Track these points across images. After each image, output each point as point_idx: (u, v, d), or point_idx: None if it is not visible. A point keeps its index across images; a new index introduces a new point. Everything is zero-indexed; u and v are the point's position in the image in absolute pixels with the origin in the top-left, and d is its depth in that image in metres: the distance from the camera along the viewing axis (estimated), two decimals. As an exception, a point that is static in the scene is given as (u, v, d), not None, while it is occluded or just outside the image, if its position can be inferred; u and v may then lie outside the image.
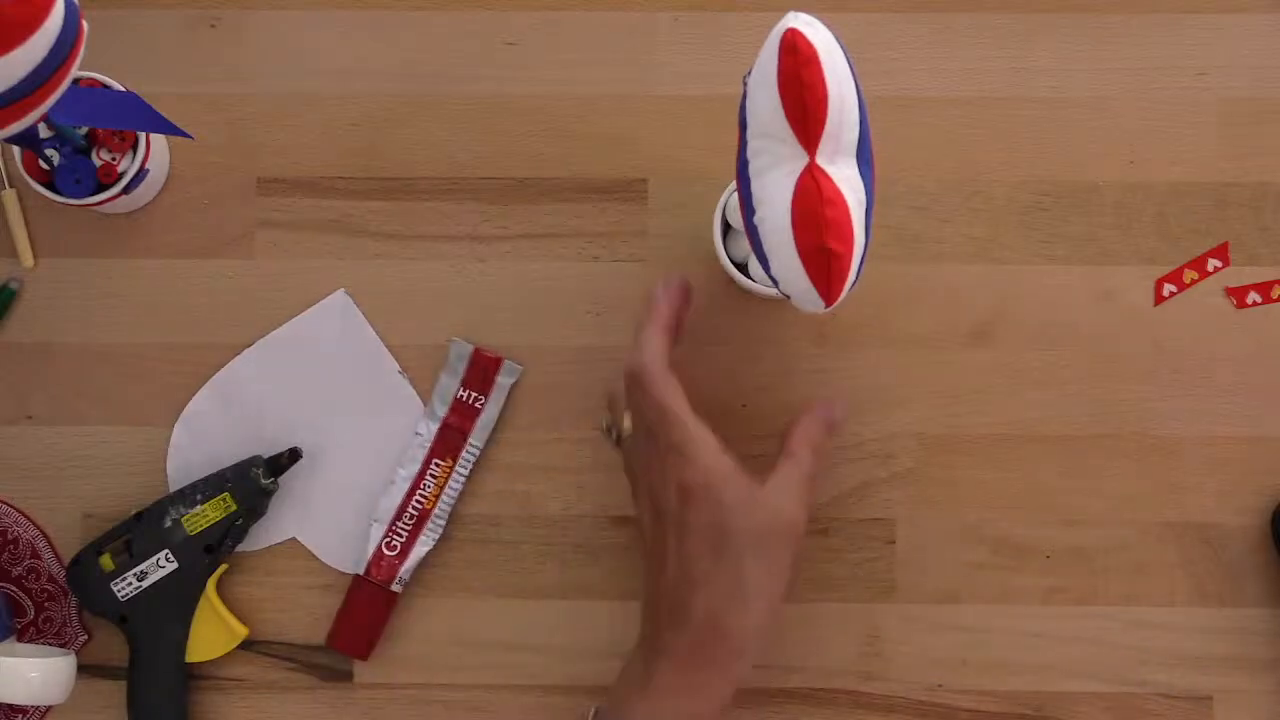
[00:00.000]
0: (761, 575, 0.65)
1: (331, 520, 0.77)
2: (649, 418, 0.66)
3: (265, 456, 0.75)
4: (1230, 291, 0.77)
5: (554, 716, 0.76)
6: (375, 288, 0.78)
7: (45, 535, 0.77)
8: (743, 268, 0.72)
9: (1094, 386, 0.77)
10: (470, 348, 0.77)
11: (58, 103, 0.59)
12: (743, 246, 0.67)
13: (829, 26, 0.57)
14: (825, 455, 0.69)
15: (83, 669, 0.75)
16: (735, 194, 0.65)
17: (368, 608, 0.75)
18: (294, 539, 0.77)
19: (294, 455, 0.75)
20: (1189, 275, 0.77)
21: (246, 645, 0.76)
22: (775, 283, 0.60)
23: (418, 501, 0.76)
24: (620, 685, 0.68)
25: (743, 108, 0.60)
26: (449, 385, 0.77)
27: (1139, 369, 0.77)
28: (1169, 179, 0.77)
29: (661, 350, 0.67)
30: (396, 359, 0.78)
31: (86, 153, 0.73)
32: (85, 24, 0.59)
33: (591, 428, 0.77)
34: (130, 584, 0.74)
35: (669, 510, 0.66)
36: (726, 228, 0.72)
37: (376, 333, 0.78)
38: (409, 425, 0.77)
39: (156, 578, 0.74)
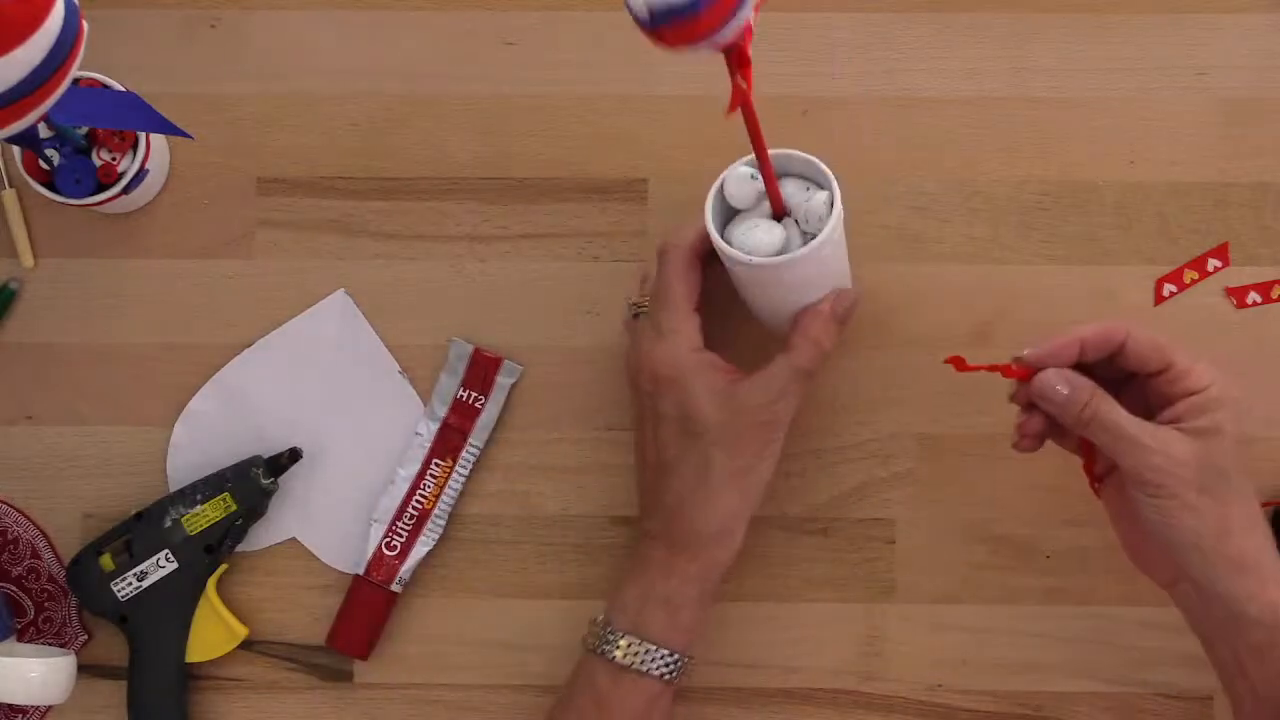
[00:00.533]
0: (728, 466, 0.66)
1: (331, 520, 0.77)
2: (653, 296, 0.69)
3: (265, 456, 0.75)
4: (1230, 291, 0.77)
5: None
6: (375, 288, 0.78)
7: (45, 535, 0.77)
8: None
9: (1094, 386, 0.76)
10: (470, 348, 0.77)
11: (58, 103, 0.59)
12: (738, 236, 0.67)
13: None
14: (825, 347, 0.68)
15: (83, 669, 0.75)
16: (740, 170, 0.66)
17: (368, 608, 0.75)
18: (294, 539, 0.77)
19: (294, 455, 0.75)
20: (1189, 275, 0.77)
21: (246, 645, 0.76)
22: None
23: (418, 501, 0.76)
24: (620, 574, 0.71)
25: None
26: (449, 385, 0.77)
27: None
28: (1169, 179, 0.77)
29: (695, 240, 0.68)
30: (396, 359, 0.78)
31: (86, 153, 0.73)
32: (85, 24, 0.59)
33: (591, 427, 0.77)
34: (130, 584, 0.74)
35: (646, 394, 0.68)
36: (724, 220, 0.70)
37: (376, 333, 0.78)
38: (409, 425, 0.77)
39: (156, 578, 0.74)
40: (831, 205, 0.65)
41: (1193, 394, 0.64)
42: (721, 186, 0.67)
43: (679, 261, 0.68)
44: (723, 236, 0.67)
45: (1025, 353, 0.66)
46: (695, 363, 0.67)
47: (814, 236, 0.65)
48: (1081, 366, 0.66)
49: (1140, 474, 0.63)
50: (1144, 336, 0.65)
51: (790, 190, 0.67)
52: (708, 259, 0.69)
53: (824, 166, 0.66)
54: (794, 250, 0.65)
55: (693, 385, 0.67)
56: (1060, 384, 0.65)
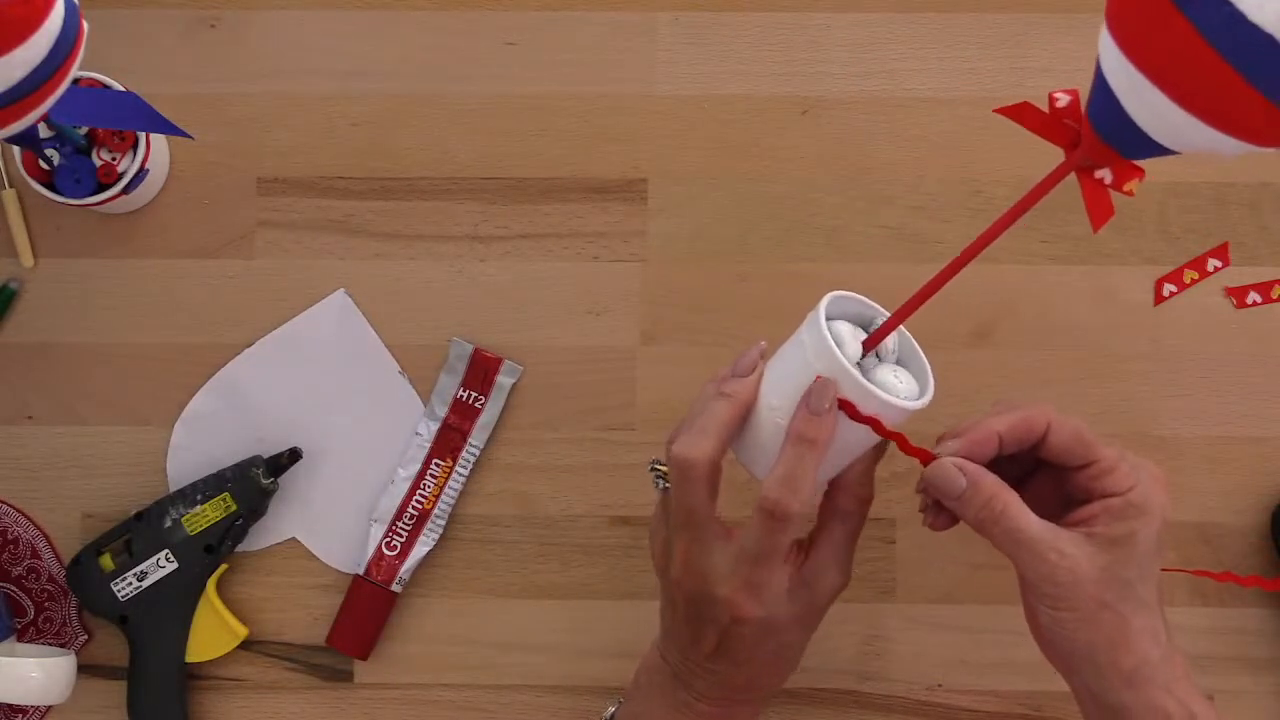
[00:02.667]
0: (804, 646, 0.63)
1: (331, 520, 0.77)
2: (676, 514, 0.61)
3: (265, 456, 0.75)
4: (1230, 291, 0.77)
5: (554, 716, 0.76)
6: (375, 288, 0.78)
7: (45, 535, 0.77)
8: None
9: (1094, 386, 0.77)
10: (470, 348, 0.77)
11: (58, 103, 0.59)
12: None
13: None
14: (871, 500, 0.62)
15: (83, 669, 0.75)
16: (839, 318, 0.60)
17: (368, 608, 0.75)
18: (294, 539, 0.77)
19: (294, 455, 0.75)
20: (1189, 275, 0.77)
21: (246, 645, 0.76)
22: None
23: (418, 501, 0.76)
24: (642, 686, 0.67)
25: None
26: (449, 385, 0.77)
27: (1139, 369, 0.77)
28: (1169, 179, 0.77)
29: (720, 447, 0.59)
30: (396, 359, 0.78)
31: (86, 153, 0.73)
32: (85, 24, 0.59)
33: (591, 427, 0.77)
34: (130, 584, 0.74)
35: (721, 623, 0.61)
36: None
37: (376, 333, 0.78)
38: (409, 425, 0.77)
39: (156, 578, 0.74)
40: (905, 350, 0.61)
41: (1112, 496, 0.59)
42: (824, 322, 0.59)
43: (703, 483, 0.59)
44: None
45: (941, 448, 0.60)
46: (782, 598, 0.61)
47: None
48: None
49: (1040, 586, 0.58)
50: (1067, 429, 0.60)
51: (851, 334, 0.60)
52: None
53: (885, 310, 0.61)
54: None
55: (774, 614, 0.60)
56: (957, 477, 0.59)
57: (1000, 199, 0.77)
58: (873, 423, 0.57)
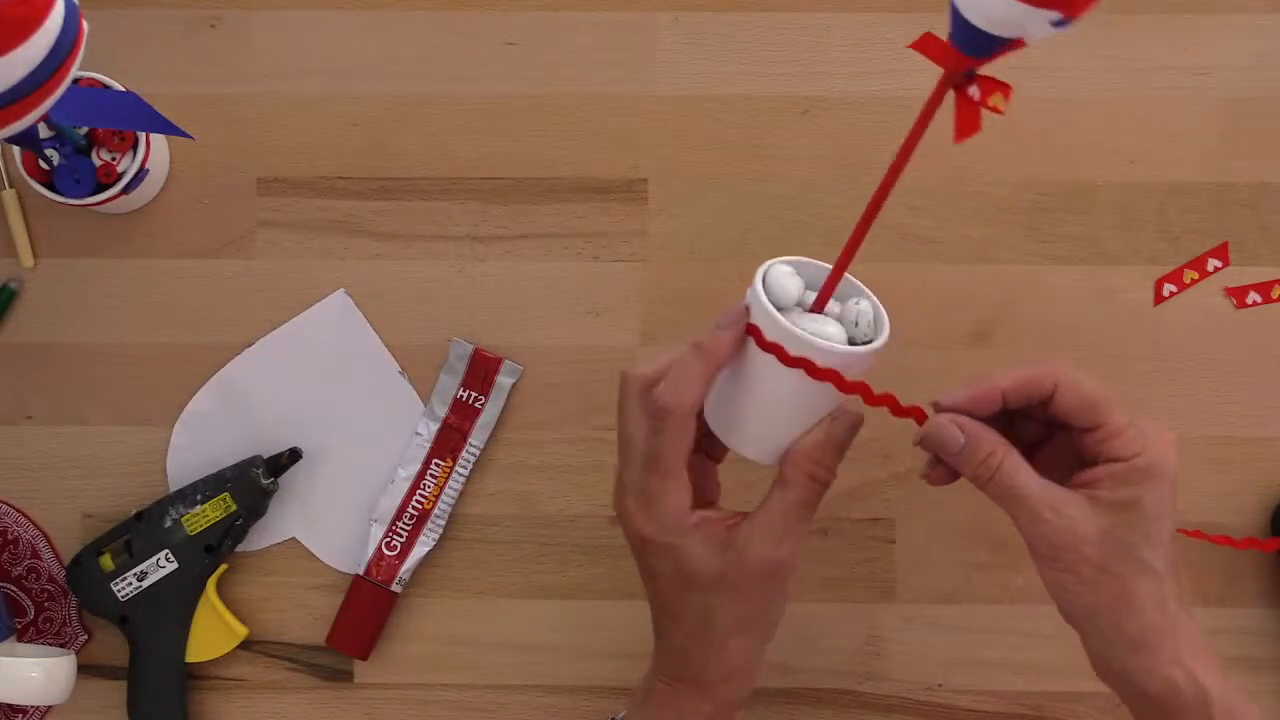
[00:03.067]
0: (732, 617, 0.60)
1: (331, 520, 0.77)
2: (634, 452, 0.61)
3: (265, 456, 0.75)
4: (1230, 291, 0.77)
5: (554, 717, 0.76)
6: (375, 288, 0.78)
7: (45, 535, 0.77)
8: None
9: (1094, 386, 0.77)
10: (470, 348, 0.77)
11: (58, 103, 0.59)
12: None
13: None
14: (824, 479, 0.61)
15: (83, 669, 0.75)
16: (780, 267, 0.60)
17: (368, 608, 0.75)
18: (294, 539, 0.77)
19: (294, 455, 0.75)
20: (1189, 275, 0.77)
21: (246, 645, 0.76)
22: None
23: (418, 501, 0.76)
24: (635, 690, 0.67)
25: None
26: (449, 385, 0.77)
27: (1139, 369, 0.77)
28: (1169, 179, 0.77)
29: (697, 394, 0.59)
30: (396, 359, 0.78)
31: (86, 153, 0.73)
32: (85, 24, 0.59)
33: (591, 427, 0.77)
34: (130, 584, 0.74)
35: (634, 549, 0.62)
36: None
37: (376, 333, 0.78)
38: (409, 425, 0.77)
39: (156, 578, 0.74)
40: (875, 315, 0.61)
41: (1117, 460, 0.58)
42: (762, 279, 0.60)
43: (678, 424, 0.59)
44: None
45: (943, 399, 0.60)
46: (682, 526, 0.60)
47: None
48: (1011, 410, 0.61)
49: (1036, 545, 0.58)
50: (1077, 390, 0.59)
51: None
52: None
53: (859, 283, 0.62)
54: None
55: (684, 545, 0.60)
56: (954, 434, 0.59)
57: (1000, 199, 0.77)
58: (804, 364, 0.57)
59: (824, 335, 0.58)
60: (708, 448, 0.64)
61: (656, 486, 0.60)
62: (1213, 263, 0.77)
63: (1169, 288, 0.77)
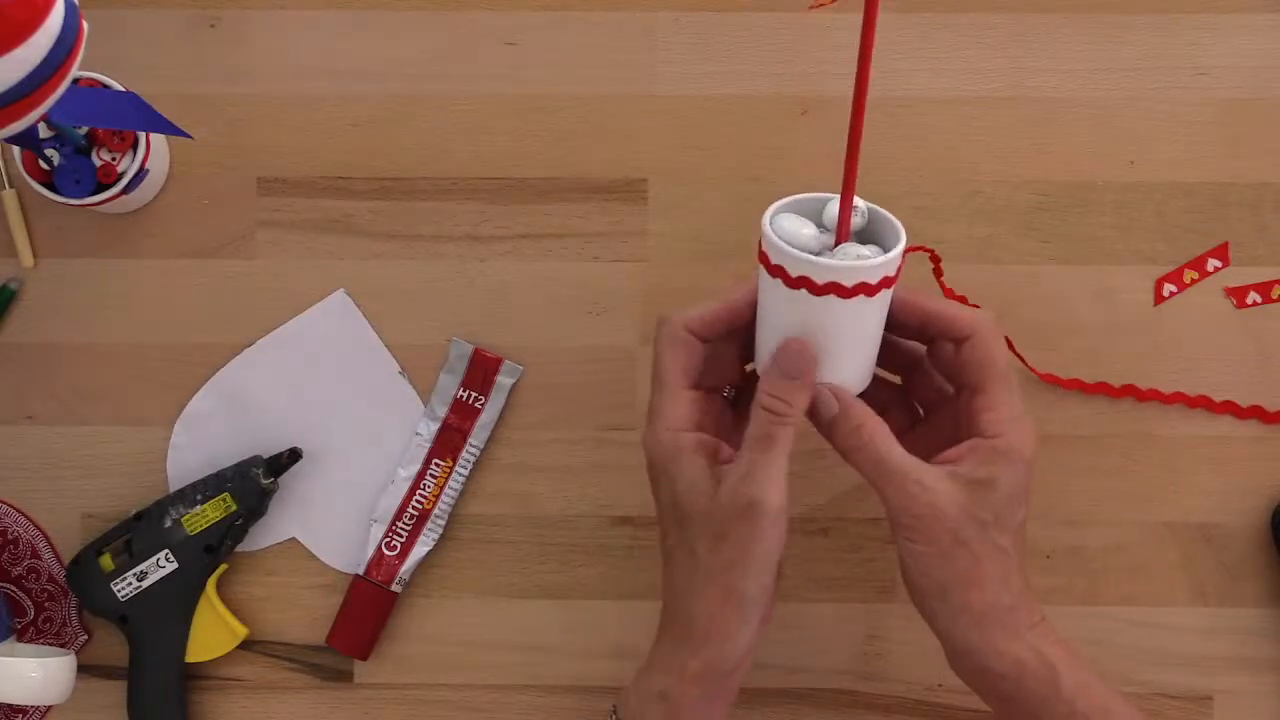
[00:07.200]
0: (711, 562, 0.60)
1: (331, 520, 0.77)
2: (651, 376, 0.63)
3: (265, 456, 0.75)
4: (1230, 291, 0.77)
5: (554, 716, 0.76)
6: (375, 288, 0.78)
7: (45, 535, 0.77)
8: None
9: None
10: (470, 348, 0.77)
11: (58, 103, 0.59)
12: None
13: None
14: (779, 411, 0.60)
15: (83, 669, 0.75)
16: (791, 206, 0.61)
17: (368, 608, 0.75)
18: (294, 539, 0.77)
19: (294, 455, 0.75)
20: (1189, 275, 0.77)
21: (246, 645, 0.76)
22: None
23: (418, 501, 0.76)
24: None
25: None
26: (449, 385, 0.77)
27: (1139, 369, 0.77)
28: (1169, 179, 0.77)
29: (698, 315, 0.62)
30: (396, 359, 0.78)
31: (86, 153, 0.73)
32: (85, 24, 0.59)
33: (591, 427, 0.77)
34: (130, 584, 0.74)
35: (651, 480, 0.63)
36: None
37: (376, 333, 0.78)
38: (409, 425, 0.77)
39: (156, 578, 0.74)
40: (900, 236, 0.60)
41: (981, 436, 0.60)
42: (787, 207, 0.61)
43: (669, 335, 0.62)
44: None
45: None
46: (678, 446, 0.61)
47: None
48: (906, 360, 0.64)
49: (899, 516, 0.59)
50: (986, 349, 0.61)
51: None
52: (715, 336, 0.63)
53: (877, 208, 0.62)
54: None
55: (676, 472, 0.61)
56: (830, 402, 0.60)
57: (1000, 199, 0.77)
58: (795, 280, 0.58)
59: (802, 240, 0.59)
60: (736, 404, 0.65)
61: (655, 401, 0.62)
62: (1213, 263, 0.77)
63: (1169, 288, 0.77)
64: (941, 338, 0.63)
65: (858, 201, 0.61)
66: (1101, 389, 0.60)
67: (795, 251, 0.58)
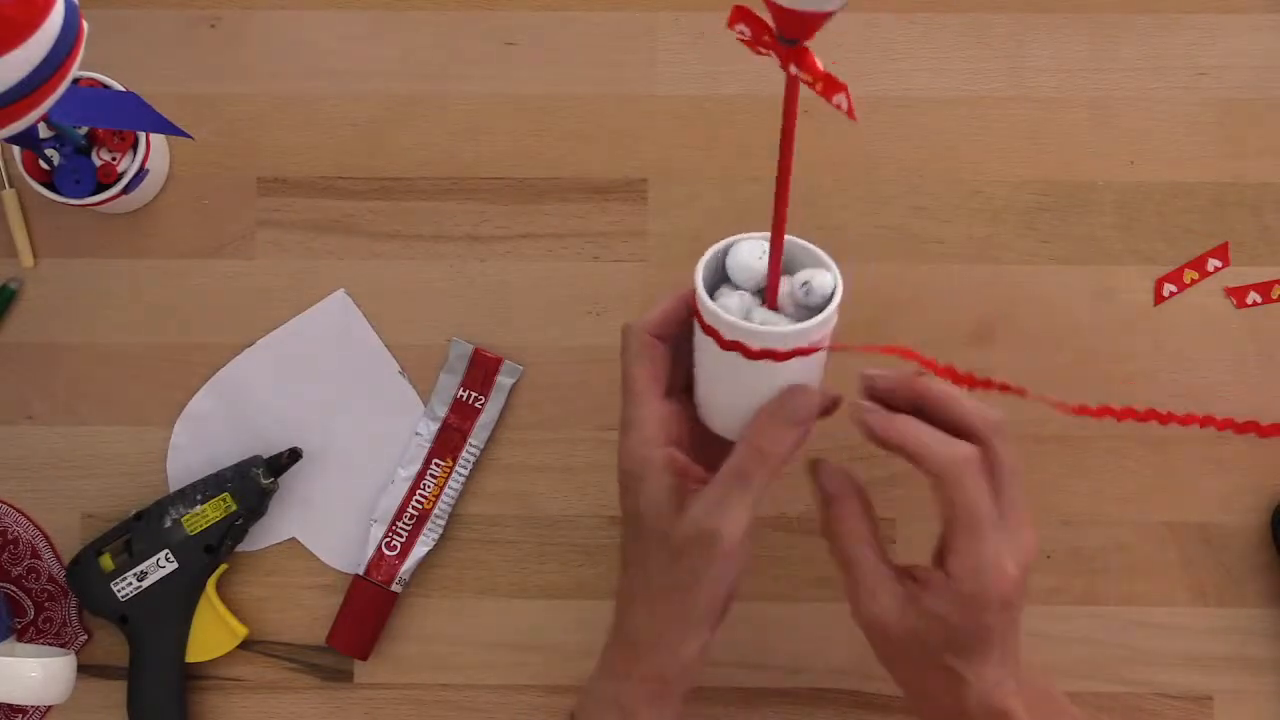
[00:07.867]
0: (666, 582, 0.59)
1: (331, 520, 0.77)
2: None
3: (265, 456, 0.75)
4: (1230, 291, 0.77)
5: (553, 716, 0.76)
6: (375, 288, 0.78)
7: (45, 535, 0.77)
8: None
9: (1094, 386, 0.76)
10: (470, 348, 0.77)
11: (58, 103, 0.59)
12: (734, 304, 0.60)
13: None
14: (769, 451, 0.58)
15: (83, 669, 0.75)
16: (749, 244, 0.60)
17: (368, 608, 0.75)
18: (294, 539, 0.77)
19: (294, 455, 0.75)
20: (1189, 275, 0.77)
21: (246, 645, 0.76)
22: None
23: (418, 501, 0.76)
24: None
25: None
26: (449, 385, 0.77)
27: (1139, 369, 0.77)
28: (1169, 179, 0.77)
29: (657, 315, 0.62)
30: (396, 359, 0.78)
31: (86, 153, 0.73)
32: (85, 24, 0.59)
33: (591, 427, 0.77)
34: (130, 584, 0.74)
35: (620, 493, 0.63)
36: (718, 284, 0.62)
37: (376, 333, 0.78)
38: (409, 425, 0.77)
39: (156, 578, 0.74)
40: (834, 290, 0.59)
41: (948, 574, 0.57)
42: (723, 254, 0.60)
43: (635, 345, 0.62)
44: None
45: (875, 372, 0.61)
46: (647, 460, 0.60)
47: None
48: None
49: (853, 610, 0.60)
50: (950, 492, 0.58)
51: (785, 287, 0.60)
52: (676, 333, 0.62)
53: (825, 255, 0.61)
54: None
55: (641, 488, 0.60)
56: (830, 478, 0.61)
57: (1000, 199, 0.77)
58: (738, 347, 0.57)
59: (730, 310, 0.58)
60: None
61: (627, 413, 0.61)
62: (1213, 263, 0.77)
63: (1169, 288, 0.77)
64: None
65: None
66: (1128, 414, 0.59)
67: (730, 318, 0.57)
